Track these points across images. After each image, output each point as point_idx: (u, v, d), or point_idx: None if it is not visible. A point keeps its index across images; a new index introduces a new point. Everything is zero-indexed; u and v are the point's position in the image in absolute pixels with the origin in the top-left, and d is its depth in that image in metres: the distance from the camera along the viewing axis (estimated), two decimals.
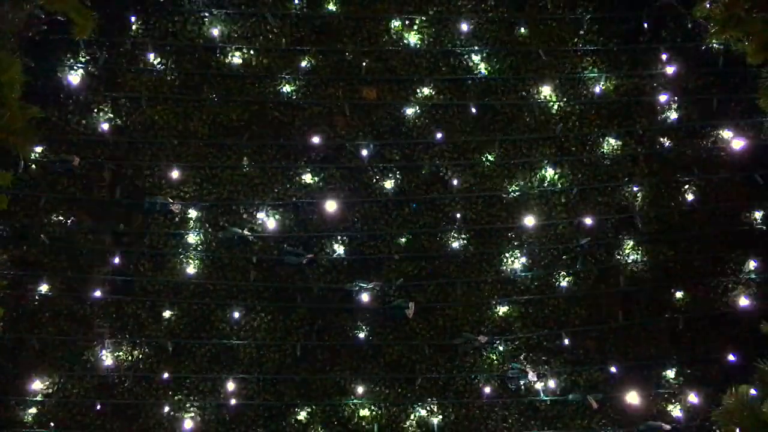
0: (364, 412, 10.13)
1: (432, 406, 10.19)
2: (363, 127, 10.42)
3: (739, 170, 10.59)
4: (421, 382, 10.17)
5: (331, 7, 10.42)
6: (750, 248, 10.59)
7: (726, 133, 10.66)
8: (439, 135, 10.41)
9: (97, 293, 9.94)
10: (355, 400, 10.10)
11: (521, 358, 10.30)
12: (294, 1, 10.36)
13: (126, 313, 10.04)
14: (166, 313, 10.05)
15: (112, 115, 10.17)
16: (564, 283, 10.45)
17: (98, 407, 9.79)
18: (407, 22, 10.49)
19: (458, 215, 10.39)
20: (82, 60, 10.10)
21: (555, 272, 10.44)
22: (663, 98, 10.63)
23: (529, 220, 10.37)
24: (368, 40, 10.45)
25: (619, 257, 10.54)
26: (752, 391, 5.79)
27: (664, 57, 10.63)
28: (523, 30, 10.56)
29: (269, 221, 10.21)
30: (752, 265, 10.60)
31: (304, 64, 10.36)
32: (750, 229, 10.61)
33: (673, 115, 10.68)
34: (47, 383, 9.85)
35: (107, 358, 9.92)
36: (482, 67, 10.53)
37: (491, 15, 10.55)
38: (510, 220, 10.45)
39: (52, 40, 9.63)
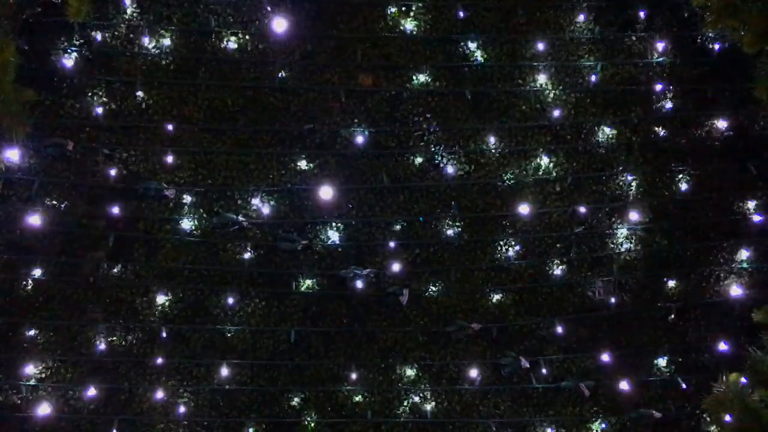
0: (358, 398, 10.17)
1: (425, 393, 10.24)
2: (358, 113, 10.40)
3: (733, 160, 10.64)
4: (415, 369, 10.21)
5: None
6: (743, 238, 10.66)
7: (721, 123, 10.70)
8: (434, 122, 10.39)
9: (91, 278, 9.92)
10: (348, 387, 10.14)
11: (514, 345, 10.34)
12: None
13: (120, 298, 10.03)
14: (160, 299, 10.05)
15: (106, 99, 10.11)
16: (558, 271, 10.50)
17: (92, 392, 9.81)
18: (404, 8, 10.44)
19: (453, 203, 10.40)
20: (77, 43, 10.02)
21: (549, 260, 10.48)
22: (658, 87, 10.64)
23: (524, 208, 10.39)
24: (364, 26, 10.40)
25: (612, 246, 10.58)
26: (743, 380, 5.84)
27: (659, 46, 10.63)
28: (519, 17, 10.52)
29: (264, 207, 10.20)
30: (745, 254, 10.67)
31: (299, 49, 10.30)
32: (743, 219, 10.67)
33: (668, 105, 10.70)
34: (40, 368, 9.85)
35: (101, 343, 9.92)
36: (478, 55, 10.50)
37: (488, 2, 10.51)
38: (504, 208, 10.47)
39: (46, 22, 9.55)
